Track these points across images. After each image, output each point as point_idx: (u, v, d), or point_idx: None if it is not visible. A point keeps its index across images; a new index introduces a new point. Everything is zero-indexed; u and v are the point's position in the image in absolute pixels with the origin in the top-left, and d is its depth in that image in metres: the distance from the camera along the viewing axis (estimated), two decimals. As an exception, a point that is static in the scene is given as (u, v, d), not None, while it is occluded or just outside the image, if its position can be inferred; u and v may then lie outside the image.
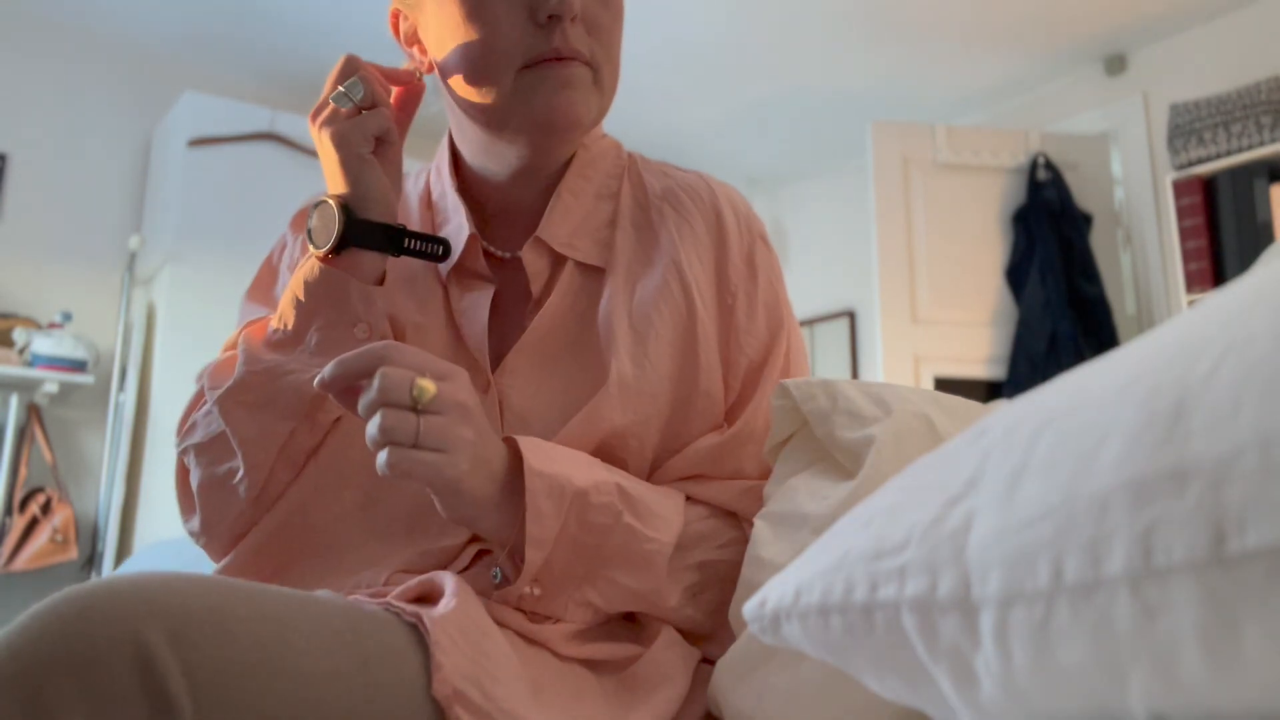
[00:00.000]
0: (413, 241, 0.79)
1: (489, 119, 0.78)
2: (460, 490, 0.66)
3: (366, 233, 0.77)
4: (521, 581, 0.69)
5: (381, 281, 0.79)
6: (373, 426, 0.63)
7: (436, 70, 0.81)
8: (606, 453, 0.76)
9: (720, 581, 0.76)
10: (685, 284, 0.80)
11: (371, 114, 0.77)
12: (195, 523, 0.80)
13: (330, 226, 0.75)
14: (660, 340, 0.78)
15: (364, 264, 0.77)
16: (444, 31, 0.78)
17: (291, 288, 0.78)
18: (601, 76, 0.78)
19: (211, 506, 0.79)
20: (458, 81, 0.78)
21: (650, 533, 0.72)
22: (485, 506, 0.68)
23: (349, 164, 0.76)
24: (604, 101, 0.80)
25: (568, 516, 0.69)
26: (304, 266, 0.77)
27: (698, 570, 0.75)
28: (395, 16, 0.85)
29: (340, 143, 0.76)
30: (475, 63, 0.76)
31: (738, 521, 0.79)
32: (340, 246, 0.76)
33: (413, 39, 0.83)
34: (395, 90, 0.81)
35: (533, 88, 0.75)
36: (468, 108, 0.79)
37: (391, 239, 0.78)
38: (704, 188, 0.87)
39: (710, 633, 0.77)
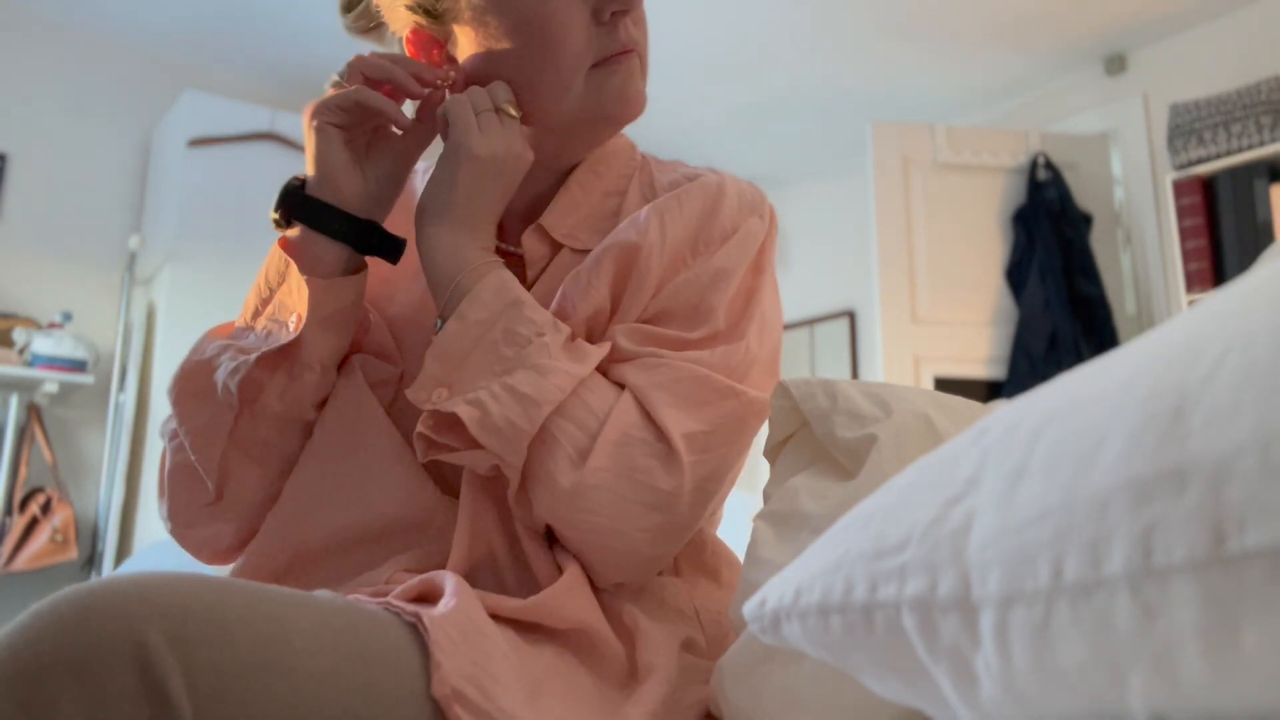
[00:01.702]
0: (370, 235, 0.78)
1: (550, 120, 0.79)
2: (460, 167, 0.75)
3: (308, 209, 0.76)
4: (431, 354, 0.71)
5: (356, 272, 0.79)
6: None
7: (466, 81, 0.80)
8: None
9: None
10: (639, 227, 0.78)
11: (346, 90, 0.76)
12: (164, 509, 0.82)
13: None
14: (601, 271, 0.77)
15: (315, 249, 0.77)
16: (497, 45, 0.77)
17: (257, 279, 0.80)
18: (646, 66, 0.81)
19: (178, 494, 0.80)
20: (519, 89, 0.78)
21: (568, 359, 0.72)
22: (457, 217, 0.75)
23: (313, 136, 0.76)
24: (645, 88, 0.82)
25: (496, 319, 0.71)
26: (270, 254, 0.79)
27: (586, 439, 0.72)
28: (417, 40, 0.82)
29: (310, 113, 0.76)
30: (544, 69, 0.76)
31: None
32: (283, 218, 0.77)
33: (441, 59, 0.82)
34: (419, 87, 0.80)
35: (602, 84, 0.77)
36: (526, 112, 0.79)
37: (342, 227, 0.77)
38: (712, 175, 0.85)
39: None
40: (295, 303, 0.77)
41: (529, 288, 0.82)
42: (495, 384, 0.70)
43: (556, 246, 0.83)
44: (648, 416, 0.72)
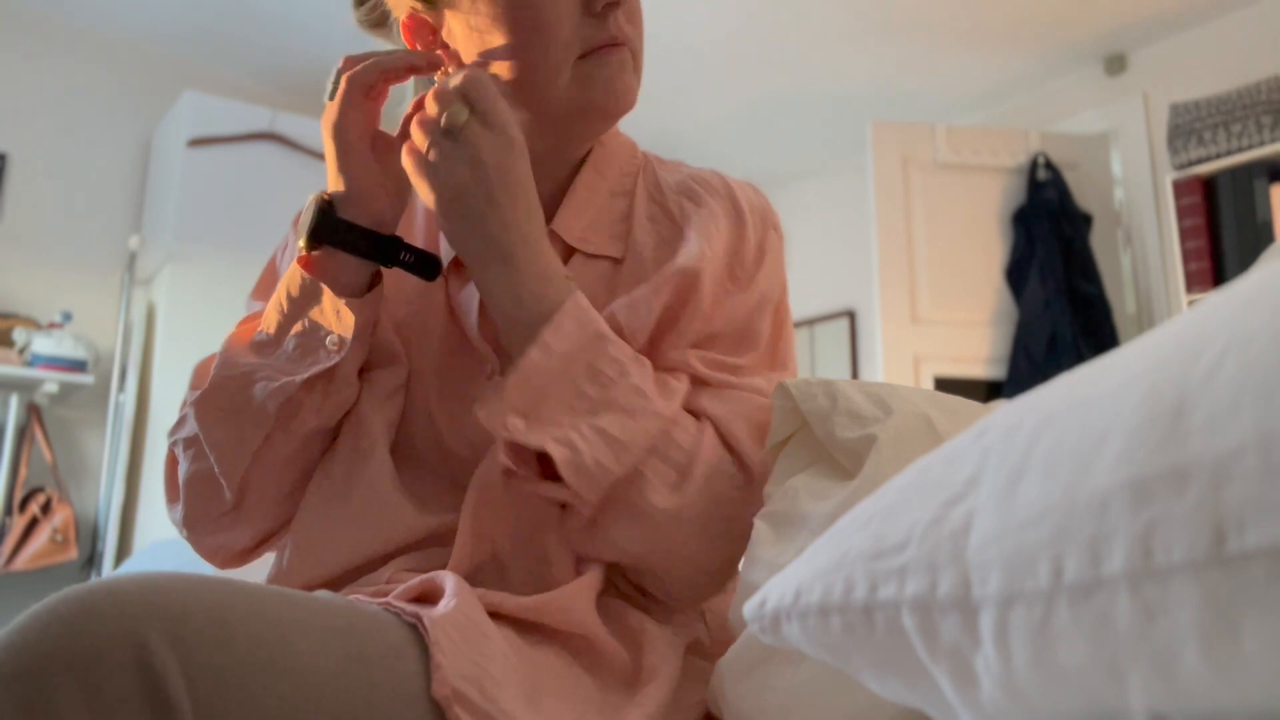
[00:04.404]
0: (403, 254, 0.77)
1: (541, 109, 0.79)
2: (441, 217, 0.71)
3: (342, 233, 0.75)
4: (513, 382, 0.69)
5: (368, 290, 0.78)
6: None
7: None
8: None
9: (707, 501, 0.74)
10: (696, 253, 0.79)
11: (349, 83, 0.75)
12: (178, 513, 0.82)
13: (307, 221, 0.75)
14: (659, 297, 0.78)
15: (342, 269, 0.76)
16: (487, 31, 0.77)
17: (278, 292, 0.78)
18: (639, 62, 0.81)
19: (194, 502, 0.80)
20: (507, 77, 0.78)
21: (653, 397, 0.72)
22: (478, 256, 0.72)
23: (332, 151, 0.75)
24: (638, 84, 0.82)
25: (579, 354, 0.70)
26: (290, 269, 0.78)
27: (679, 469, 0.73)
28: (412, 25, 0.82)
29: (324, 126, 0.75)
30: (532, 56, 0.76)
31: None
32: (313, 243, 0.75)
33: (435, 45, 0.82)
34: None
35: (590, 75, 0.77)
36: (515, 101, 0.79)
37: (375, 246, 0.76)
38: (719, 180, 0.88)
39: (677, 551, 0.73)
40: (332, 323, 0.76)
41: None
42: (583, 424, 0.70)
43: (569, 250, 0.83)
44: (730, 449, 0.75)
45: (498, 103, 0.72)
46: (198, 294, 3.06)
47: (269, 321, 0.78)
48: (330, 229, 0.75)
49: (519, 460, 0.71)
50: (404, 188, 0.78)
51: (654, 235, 0.84)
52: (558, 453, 0.69)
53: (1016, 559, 0.31)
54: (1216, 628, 0.25)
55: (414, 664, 0.57)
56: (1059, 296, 2.98)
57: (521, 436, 0.69)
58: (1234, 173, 2.73)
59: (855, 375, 4.03)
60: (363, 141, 0.76)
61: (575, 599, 0.70)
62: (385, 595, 0.66)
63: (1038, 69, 3.46)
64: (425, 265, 0.79)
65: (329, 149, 0.76)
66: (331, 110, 0.75)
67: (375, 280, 0.79)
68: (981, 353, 3.08)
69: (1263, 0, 3.03)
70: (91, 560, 3.05)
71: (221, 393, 0.77)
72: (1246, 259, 2.68)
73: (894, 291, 3.11)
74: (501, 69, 0.78)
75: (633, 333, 0.76)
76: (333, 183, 0.76)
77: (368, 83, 0.75)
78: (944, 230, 3.15)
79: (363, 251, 0.76)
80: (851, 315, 4.09)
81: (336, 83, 0.76)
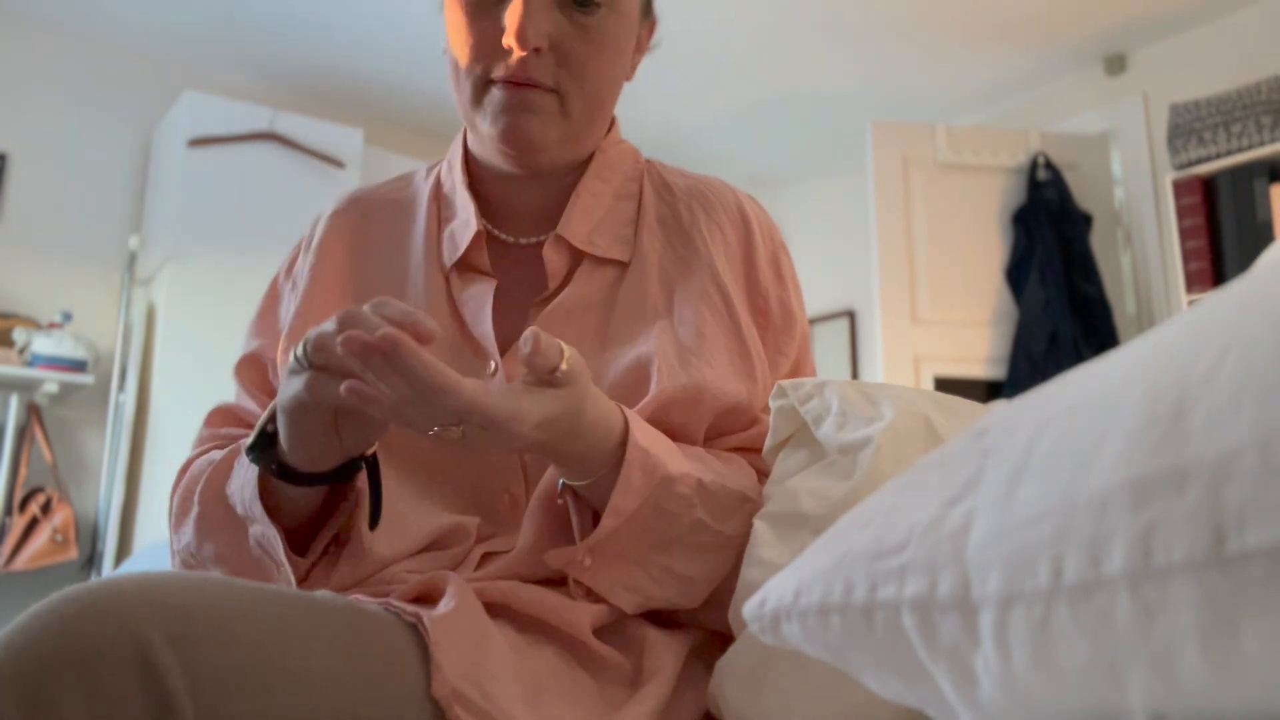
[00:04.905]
0: (355, 468, 0.70)
1: (465, 118, 0.82)
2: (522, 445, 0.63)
3: (290, 477, 0.68)
4: (583, 547, 0.69)
5: (338, 504, 0.73)
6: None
7: None
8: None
9: None
10: (724, 291, 0.82)
11: (315, 389, 0.62)
12: None
13: (251, 443, 0.69)
14: (716, 347, 0.80)
15: (294, 501, 0.70)
16: (448, 26, 0.80)
17: (246, 478, 0.71)
18: (569, 104, 0.78)
19: None
20: (450, 75, 0.81)
21: (717, 526, 0.73)
22: (551, 457, 0.68)
23: (280, 418, 0.66)
24: (572, 128, 0.80)
25: (648, 501, 0.70)
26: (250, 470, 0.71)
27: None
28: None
29: (288, 407, 0.64)
30: (455, 65, 0.79)
31: None
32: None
33: None
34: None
35: (494, 103, 0.78)
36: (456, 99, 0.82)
37: (326, 480, 0.69)
38: (728, 191, 0.89)
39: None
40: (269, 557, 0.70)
41: (552, 295, 0.82)
42: (653, 565, 0.71)
43: (575, 254, 0.83)
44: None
45: (490, 411, 0.58)
46: (198, 294, 3.05)
47: (237, 499, 0.72)
48: (267, 464, 0.68)
49: (589, 593, 0.72)
50: (369, 435, 0.68)
51: (662, 239, 0.84)
52: (628, 601, 0.71)
53: (1016, 559, 0.31)
54: (1216, 628, 0.25)
55: (414, 664, 0.57)
56: (1059, 296, 2.98)
57: (587, 577, 0.70)
58: (1234, 173, 2.73)
59: (855, 375, 4.03)
60: (317, 419, 0.65)
61: (579, 612, 0.70)
62: (385, 595, 0.66)
63: (1037, 69, 3.46)
64: (372, 505, 0.70)
65: (280, 419, 0.66)
66: (285, 389, 0.64)
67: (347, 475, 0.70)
68: (981, 353, 3.08)
69: (1263, 0, 3.03)
70: (91, 560, 3.05)
71: (190, 559, 0.76)
72: (1246, 259, 2.68)
73: (894, 291, 3.11)
74: (450, 68, 0.81)
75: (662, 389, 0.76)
76: (280, 427, 0.67)
77: (319, 401, 0.63)
78: (944, 230, 3.15)
79: (311, 485, 0.69)
80: (851, 315, 4.09)
81: (303, 353, 0.62)
